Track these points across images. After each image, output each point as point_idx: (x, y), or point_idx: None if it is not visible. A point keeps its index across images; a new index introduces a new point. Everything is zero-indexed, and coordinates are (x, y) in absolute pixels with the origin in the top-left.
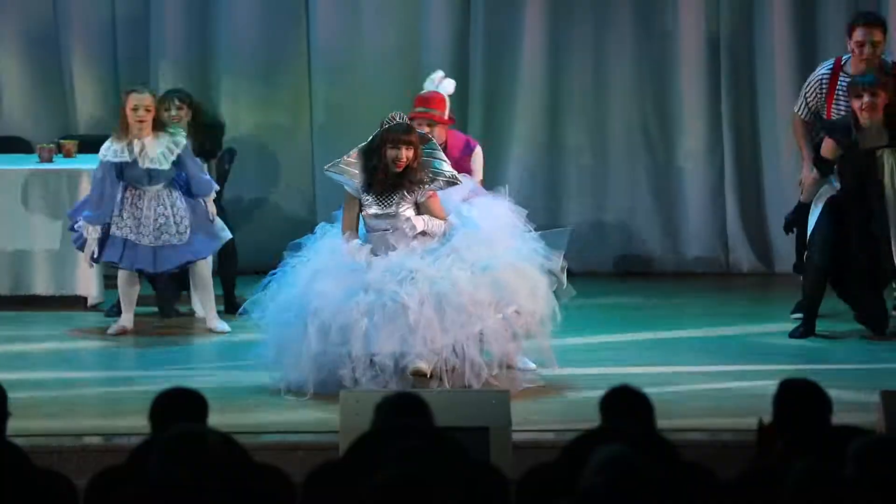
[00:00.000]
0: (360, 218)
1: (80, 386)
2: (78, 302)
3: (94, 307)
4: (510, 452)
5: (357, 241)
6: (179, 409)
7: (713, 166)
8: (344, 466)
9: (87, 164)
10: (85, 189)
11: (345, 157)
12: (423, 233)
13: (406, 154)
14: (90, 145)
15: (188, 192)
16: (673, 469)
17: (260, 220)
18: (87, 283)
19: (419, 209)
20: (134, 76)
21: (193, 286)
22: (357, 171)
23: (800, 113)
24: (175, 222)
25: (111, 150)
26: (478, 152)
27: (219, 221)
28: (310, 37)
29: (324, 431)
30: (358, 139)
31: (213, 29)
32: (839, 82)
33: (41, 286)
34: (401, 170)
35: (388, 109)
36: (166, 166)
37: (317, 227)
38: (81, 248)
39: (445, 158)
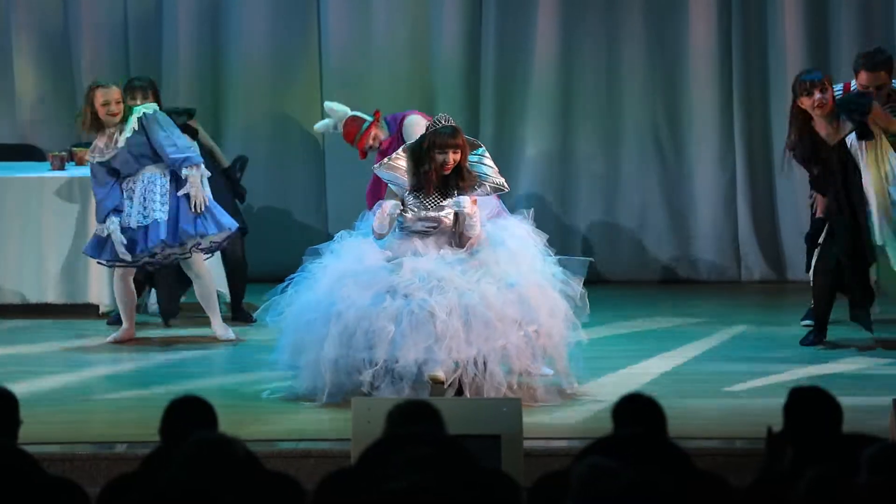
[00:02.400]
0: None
1: (92, 394)
2: (90, 310)
3: (107, 315)
4: (521, 460)
5: (392, 203)
6: (191, 417)
7: (725, 174)
8: (356, 474)
9: None
10: None
11: (392, 155)
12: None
13: (453, 157)
14: None
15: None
16: (685, 477)
17: (270, 229)
18: (99, 291)
19: (456, 214)
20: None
21: (197, 294)
22: (404, 170)
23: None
24: (160, 198)
25: (97, 151)
26: (409, 121)
27: (218, 209)
28: (321, 45)
29: (336, 439)
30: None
31: (224, 39)
32: None
33: (53, 294)
34: (448, 172)
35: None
36: (128, 134)
37: (336, 235)
38: (112, 261)
39: (493, 165)
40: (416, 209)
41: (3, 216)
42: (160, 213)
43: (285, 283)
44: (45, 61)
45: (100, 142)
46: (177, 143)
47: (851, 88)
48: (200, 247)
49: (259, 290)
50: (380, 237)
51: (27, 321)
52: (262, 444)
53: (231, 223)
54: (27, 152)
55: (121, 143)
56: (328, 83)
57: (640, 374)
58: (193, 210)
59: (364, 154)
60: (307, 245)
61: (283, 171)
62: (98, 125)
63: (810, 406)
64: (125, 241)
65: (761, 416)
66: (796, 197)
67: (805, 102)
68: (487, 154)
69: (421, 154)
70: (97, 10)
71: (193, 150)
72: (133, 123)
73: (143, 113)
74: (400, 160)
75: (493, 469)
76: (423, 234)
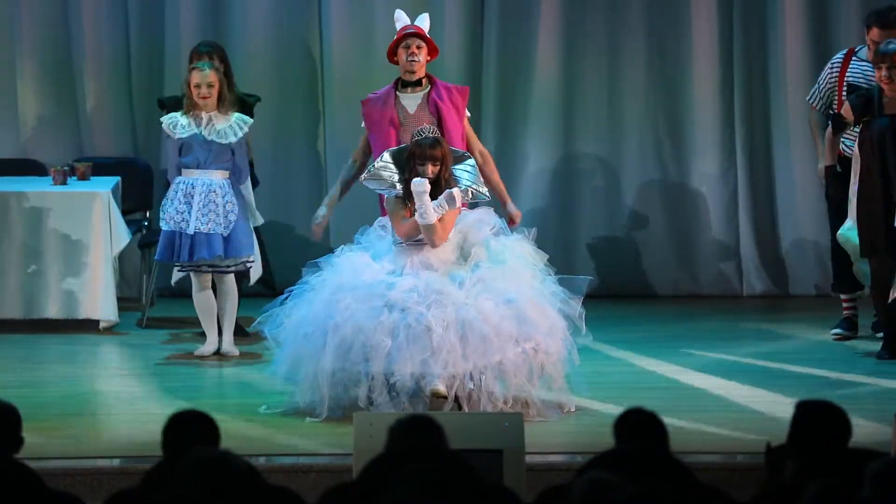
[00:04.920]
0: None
1: (93, 408)
2: (90, 325)
3: (107, 330)
4: (524, 475)
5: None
6: (192, 431)
7: (727, 188)
8: (357, 488)
9: (100, 186)
10: (98, 211)
11: (377, 164)
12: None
13: (433, 170)
14: (104, 168)
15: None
16: (687, 491)
17: (272, 242)
18: (99, 306)
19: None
20: (148, 101)
21: (221, 308)
22: (392, 176)
23: (813, 102)
24: (223, 211)
25: (179, 125)
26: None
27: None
28: (321, 45)
29: (337, 454)
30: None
31: (225, 42)
32: (850, 66)
33: (53, 309)
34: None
35: None
36: (232, 139)
37: (337, 250)
38: (188, 265)
39: (480, 176)
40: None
41: (4, 230)
42: (222, 226)
43: (284, 296)
44: (48, 78)
45: (182, 118)
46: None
47: (856, 50)
48: (240, 266)
49: (261, 305)
50: (429, 225)
51: (28, 336)
52: (262, 459)
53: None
54: (29, 167)
55: (211, 135)
56: (329, 84)
57: (641, 388)
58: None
59: None
60: (309, 259)
61: (284, 186)
62: (191, 104)
63: (818, 420)
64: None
65: (763, 431)
66: (798, 211)
67: (877, 74)
68: (475, 164)
69: (403, 163)
70: (99, 22)
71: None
72: (234, 122)
73: (244, 121)
74: (384, 170)
75: (495, 484)
76: (417, 245)
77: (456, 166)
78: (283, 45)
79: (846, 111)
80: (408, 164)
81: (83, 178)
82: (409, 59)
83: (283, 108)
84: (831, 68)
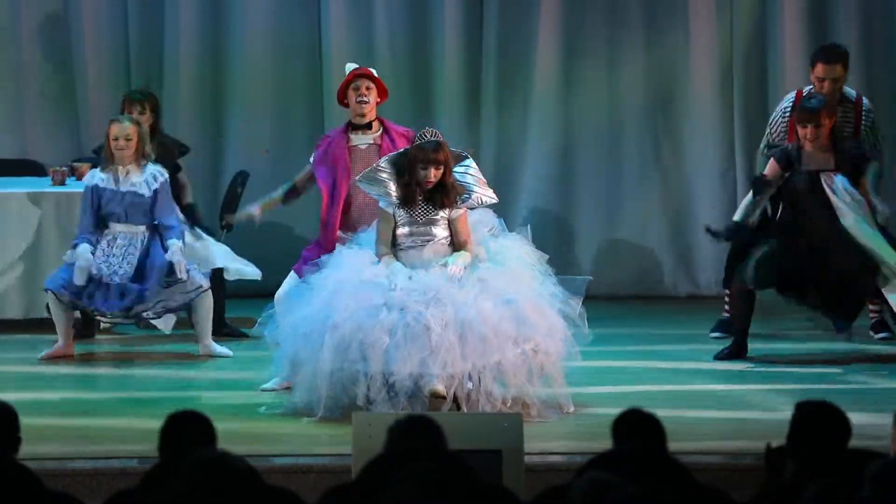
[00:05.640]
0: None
1: (92, 408)
2: (90, 325)
3: (106, 330)
4: (523, 475)
5: (390, 261)
6: (189, 432)
7: (726, 189)
8: (356, 489)
9: None
10: None
11: (374, 167)
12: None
13: (435, 173)
14: None
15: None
16: (686, 492)
17: (270, 243)
18: None
19: (449, 225)
20: None
21: (193, 317)
22: (389, 183)
23: (762, 150)
24: (135, 260)
25: (97, 177)
26: None
27: (196, 276)
28: (321, 46)
29: (336, 454)
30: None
31: (226, 59)
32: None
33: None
34: (431, 187)
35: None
36: (146, 192)
37: (335, 249)
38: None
39: (480, 176)
40: (407, 224)
41: (4, 231)
42: (129, 275)
43: None
44: (47, 78)
45: (102, 172)
46: (176, 212)
47: (804, 93)
48: (156, 310)
49: (261, 306)
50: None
51: (27, 336)
52: (261, 460)
53: (202, 280)
54: (28, 167)
55: (126, 186)
56: (329, 84)
57: (640, 389)
58: (178, 273)
59: None
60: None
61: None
62: (109, 157)
63: (818, 420)
64: (97, 274)
65: (763, 431)
66: None
67: (800, 132)
68: (474, 165)
69: (403, 167)
70: (99, 22)
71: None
72: (149, 175)
73: (160, 173)
74: (383, 173)
75: (494, 484)
76: (418, 247)
77: (456, 170)
78: (282, 46)
79: (771, 168)
80: (409, 167)
81: (82, 178)
82: (359, 100)
83: (282, 109)
84: (784, 116)
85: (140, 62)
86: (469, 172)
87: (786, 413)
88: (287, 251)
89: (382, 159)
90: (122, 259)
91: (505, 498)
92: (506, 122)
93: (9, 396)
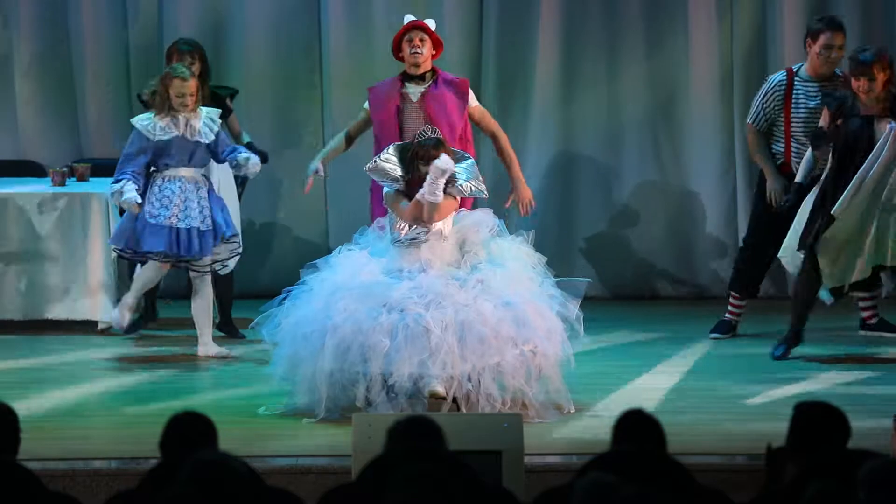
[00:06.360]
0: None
1: (92, 409)
2: (89, 326)
3: (106, 331)
4: (522, 476)
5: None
6: (191, 433)
7: (726, 189)
8: (356, 490)
9: (99, 187)
10: (97, 212)
11: (382, 155)
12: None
13: None
14: (103, 169)
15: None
16: (686, 493)
17: (272, 244)
18: (98, 307)
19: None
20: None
21: (196, 308)
22: (395, 169)
23: (756, 124)
24: (199, 207)
25: (158, 128)
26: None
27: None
28: (321, 47)
29: (336, 455)
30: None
31: (226, 58)
32: (794, 88)
33: (53, 311)
34: None
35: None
36: (210, 136)
37: (335, 250)
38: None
39: (478, 173)
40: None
41: (3, 232)
42: (203, 223)
43: (282, 296)
44: (47, 79)
45: (160, 120)
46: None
47: (796, 70)
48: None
49: (259, 306)
50: (434, 203)
51: (26, 337)
52: (261, 461)
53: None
54: (28, 168)
55: (193, 136)
56: (328, 85)
57: (640, 390)
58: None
59: None
60: (308, 260)
61: (283, 187)
62: (166, 108)
63: (817, 421)
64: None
65: (763, 433)
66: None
67: (853, 84)
68: (472, 162)
69: (405, 162)
70: (99, 23)
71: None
72: (205, 120)
73: (214, 117)
74: (388, 163)
75: (494, 485)
76: (417, 243)
77: (456, 166)
78: (283, 46)
79: (824, 118)
80: (410, 164)
81: (82, 179)
82: (413, 51)
83: (282, 107)
84: (774, 92)
85: (140, 62)
86: (464, 167)
87: (787, 413)
88: (288, 251)
89: (390, 146)
90: (197, 204)
91: (505, 499)
92: (506, 124)
93: (9, 396)
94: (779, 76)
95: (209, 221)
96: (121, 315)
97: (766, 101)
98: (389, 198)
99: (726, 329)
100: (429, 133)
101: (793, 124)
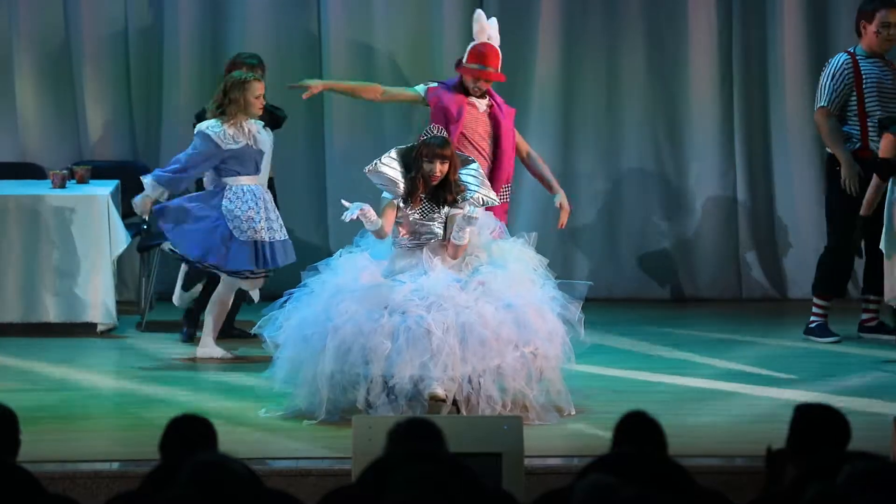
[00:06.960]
0: (394, 227)
1: (91, 412)
2: (89, 329)
3: (106, 334)
4: (523, 478)
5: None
6: (191, 435)
7: (726, 192)
8: (356, 492)
9: (99, 190)
10: (97, 214)
11: (383, 158)
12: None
13: (441, 168)
14: (103, 171)
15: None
16: (686, 494)
17: None
18: (98, 309)
19: (446, 222)
20: (147, 105)
21: (211, 306)
22: (395, 173)
23: (830, 107)
24: (274, 214)
25: (227, 136)
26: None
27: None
28: (321, 47)
29: (336, 457)
30: (371, 162)
31: (226, 58)
32: (861, 67)
33: (52, 313)
34: (436, 183)
35: (401, 133)
36: (269, 145)
37: (336, 253)
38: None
39: (485, 180)
40: (409, 221)
41: (3, 234)
42: (281, 230)
43: (284, 298)
44: (47, 81)
45: (230, 128)
46: None
47: (855, 53)
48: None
49: (260, 308)
50: (380, 237)
51: (26, 339)
52: (261, 463)
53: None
54: (28, 170)
55: (252, 140)
56: (329, 100)
57: (640, 392)
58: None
59: None
60: (309, 262)
61: (284, 188)
62: (237, 114)
63: (817, 423)
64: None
65: (763, 434)
66: (797, 214)
67: None
68: (479, 168)
69: (410, 161)
70: (98, 25)
71: None
72: (262, 128)
73: (263, 124)
74: (388, 167)
75: (494, 487)
76: (418, 246)
77: (462, 171)
78: (283, 46)
79: (888, 147)
80: (416, 162)
81: (82, 181)
82: (476, 86)
83: (281, 105)
84: (843, 70)
85: (140, 62)
86: (472, 174)
87: (787, 415)
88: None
89: (392, 150)
90: (274, 213)
91: (505, 501)
92: None
93: (9, 399)
94: (841, 56)
95: (285, 230)
96: (212, 351)
97: (835, 82)
98: (383, 204)
99: (828, 332)
100: (435, 132)
101: (867, 101)
